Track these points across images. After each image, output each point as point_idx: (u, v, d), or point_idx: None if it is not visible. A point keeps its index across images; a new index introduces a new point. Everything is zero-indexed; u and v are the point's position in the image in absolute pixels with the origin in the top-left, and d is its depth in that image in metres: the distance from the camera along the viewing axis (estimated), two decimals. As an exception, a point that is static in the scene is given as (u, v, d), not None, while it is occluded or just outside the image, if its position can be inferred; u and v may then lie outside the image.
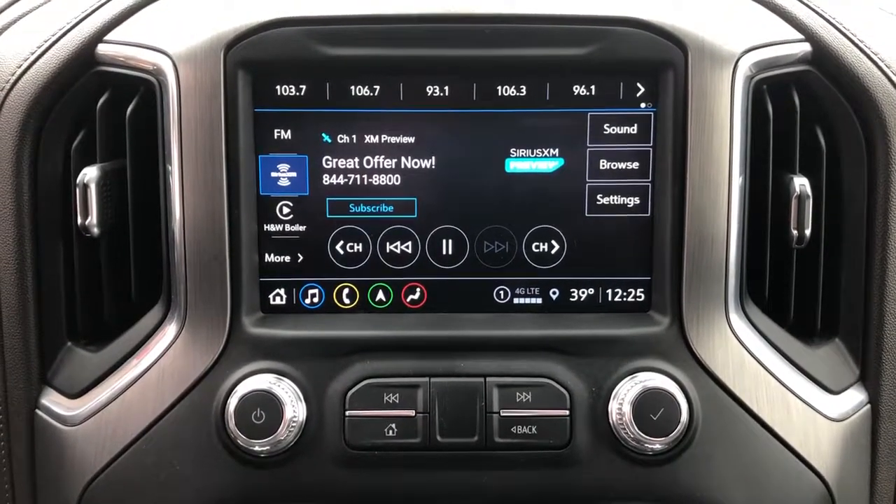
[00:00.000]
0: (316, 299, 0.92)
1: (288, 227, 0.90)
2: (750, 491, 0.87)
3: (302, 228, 0.90)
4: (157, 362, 0.88)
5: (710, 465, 0.87)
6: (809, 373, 0.90)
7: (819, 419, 0.89)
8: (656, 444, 0.85)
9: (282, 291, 0.91)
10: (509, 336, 0.88)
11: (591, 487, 0.87)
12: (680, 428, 0.85)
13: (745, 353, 0.88)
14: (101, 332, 0.93)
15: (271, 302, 0.91)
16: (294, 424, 0.85)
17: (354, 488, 0.87)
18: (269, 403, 0.84)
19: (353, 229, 0.90)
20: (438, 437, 0.86)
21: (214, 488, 0.87)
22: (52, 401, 0.91)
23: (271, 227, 0.90)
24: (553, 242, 0.90)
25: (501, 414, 0.86)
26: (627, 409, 0.85)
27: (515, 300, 0.92)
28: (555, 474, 0.87)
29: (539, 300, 0.91)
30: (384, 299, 0.92)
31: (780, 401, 0.88)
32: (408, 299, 0.92)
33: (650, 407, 0.84)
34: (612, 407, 0.86)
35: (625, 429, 0.85)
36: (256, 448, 0.85)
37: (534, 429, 0.86)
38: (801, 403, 0.89)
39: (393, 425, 0.86)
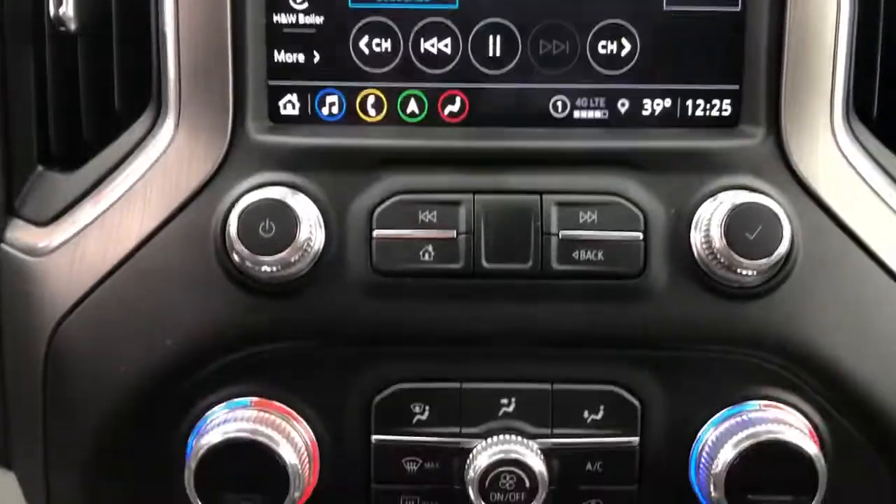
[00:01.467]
0: (335, 109, 0.79)
1: (302, 19, 0.79)
2: (854, 334, 0.77)
3: (319, 20, 0.78)
4: (144, 175, 0.78)
5: (811, 302, 0.76)
6: None
7: None
8: (751, 271, 0.73)
9: (294, 98, 0.79)
10: (571, 148, 0.78)
11: (668, 326, 0.76)
12: (781, 250, 0.73)
13: (854, 175, 0.77)
14: (78, 155, 0.83)
15: (282, 111, 0.80)
16: (310, 246, 0.74)
17: (382, 321, 0.77)
18: (280, 214, 0.73)
19: (381, 22, 0.78)
20: (484, 263, 0.76)
21: (212, 322, 0.77)
22: (20, 232, 0.82)
23: (282, 19, 0.79)
24: (623, 42, 0.78)
25: (561, 236, 0.76)
26: (716, 229, 0.73)
27: (576, 113, 0.80)
28: (624, 309, 0.76)
29: (605, 113, 0.80)
30: (417, 111, 0.79)
31: (894, 232, 0.77)
32: (445, 111, 0.79)
33: (746, 224, 0.73)
34: (698, 227, 0.75)
35: (712, 253, 0.74)
36: (264, 268, 0.74)
37: (600, 254, 0.75)
38: None
39: (429, 248, 0.75)
